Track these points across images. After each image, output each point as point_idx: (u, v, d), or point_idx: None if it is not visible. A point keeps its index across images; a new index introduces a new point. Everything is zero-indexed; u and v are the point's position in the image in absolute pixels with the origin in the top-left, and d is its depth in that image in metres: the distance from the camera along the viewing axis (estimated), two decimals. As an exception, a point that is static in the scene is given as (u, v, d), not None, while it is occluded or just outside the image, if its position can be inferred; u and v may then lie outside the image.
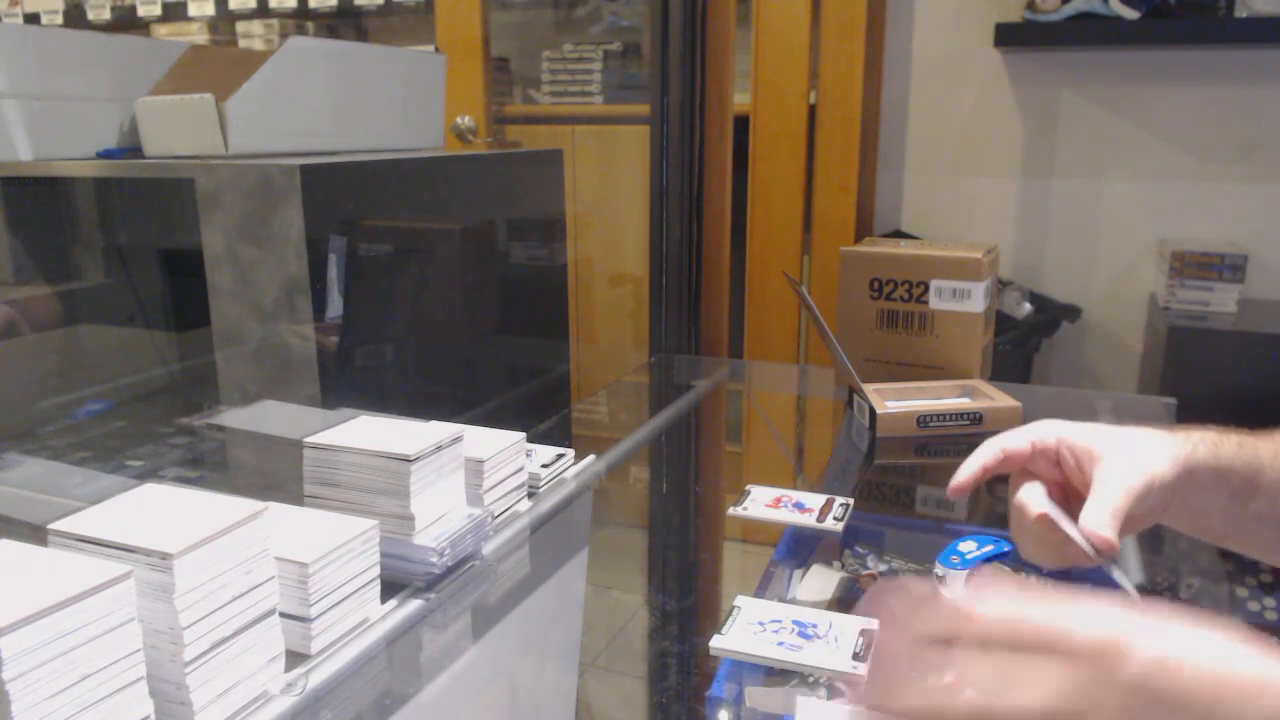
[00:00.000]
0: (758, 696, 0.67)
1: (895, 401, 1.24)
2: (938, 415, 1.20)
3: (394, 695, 0.66)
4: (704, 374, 1.66)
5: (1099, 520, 0.55)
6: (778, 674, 0.68)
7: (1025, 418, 1.19)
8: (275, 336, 0.96)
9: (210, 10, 2.96)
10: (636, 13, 2.62)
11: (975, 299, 1.30)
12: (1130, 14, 1.83)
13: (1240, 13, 1.82)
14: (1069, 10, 1.88)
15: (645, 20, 2.56)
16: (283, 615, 0.63)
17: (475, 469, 0.83)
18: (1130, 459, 0.58)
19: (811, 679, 0.67)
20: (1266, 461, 0.59)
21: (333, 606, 0.67)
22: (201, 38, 3.02)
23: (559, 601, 0.86)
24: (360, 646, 0.68)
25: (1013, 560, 0.80)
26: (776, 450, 1.40)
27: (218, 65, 1.19)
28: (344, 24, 2.97)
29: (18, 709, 0.48)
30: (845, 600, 0.82)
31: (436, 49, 2.35)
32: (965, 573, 0.80)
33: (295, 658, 0.65)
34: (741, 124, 2.02)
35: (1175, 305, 1.88)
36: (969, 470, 0.64)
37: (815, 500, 0.95)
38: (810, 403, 1.60)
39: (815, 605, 0.78)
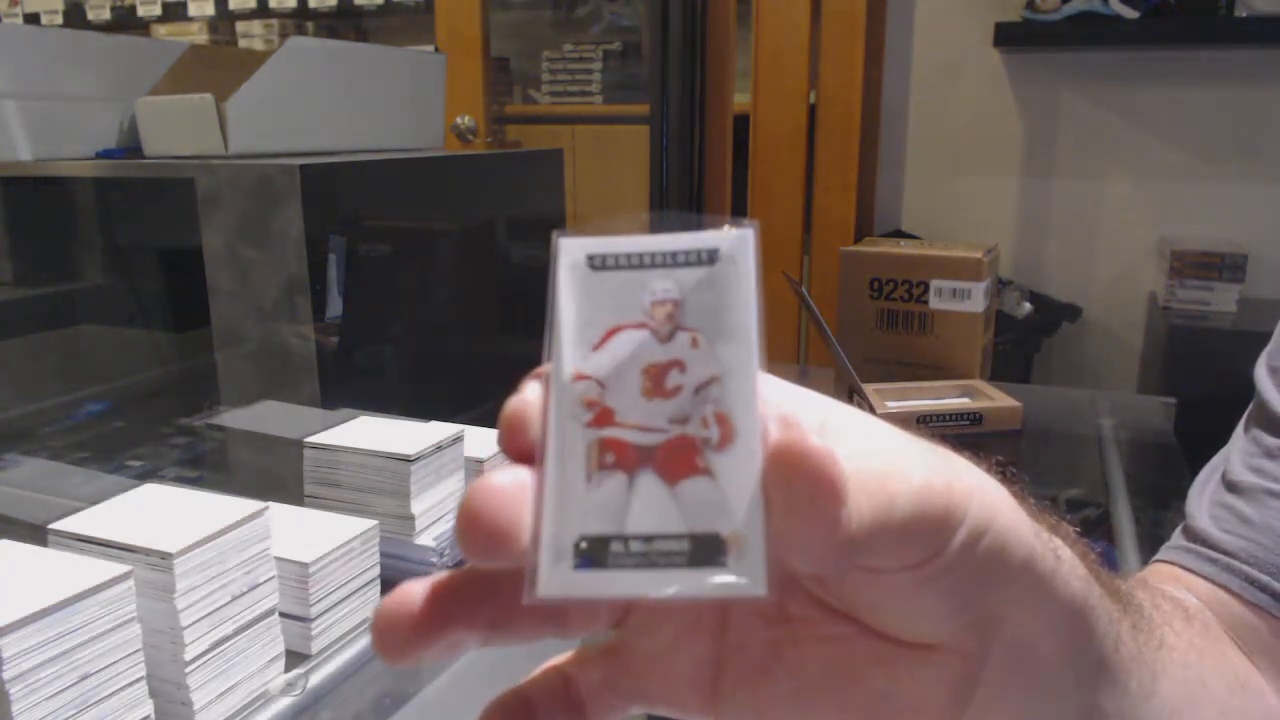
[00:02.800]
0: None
1: (895, 401, 1.24)
2: (938, 415, 1.20)
3: (394, 695, 0.66)
4: (704, 374, 1.65)
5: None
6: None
7: (1025, 417, 1.19)
8: (275, 336, 0.96)
9: (210, 10, 2.96)
10: (636, 12, 2.62)
11: (975, 299, 1.30)
12: (1130, 14, 1.83)
13: (1240, 12, 1.82)
14: (1069, 10, 1.88)
15: (645, 20, 2.56)
16: (283, 615, 0.63)
17: (475, 469, 0.83)
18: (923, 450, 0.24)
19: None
20: (1126, 635, 0.30)
21: (333, 606, 0.67)
22: (201, 38, 3.02)
23: (559, 601, 0.85)
24: (360, 646, 0.68)
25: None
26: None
27: (217, 65, 1.19)
28: (343, 24, 2.97)
29: (18, 709, 0.48)
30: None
31: (436, 49, 2.35)
32: None
33: (295, 658, 0.65)
34: (741, 124, 2.02)
35: (1175, 305, 1.88)
36: None
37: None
38: (810, 403, 1.60)
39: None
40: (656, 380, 0.22)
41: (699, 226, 0.23)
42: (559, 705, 0.27)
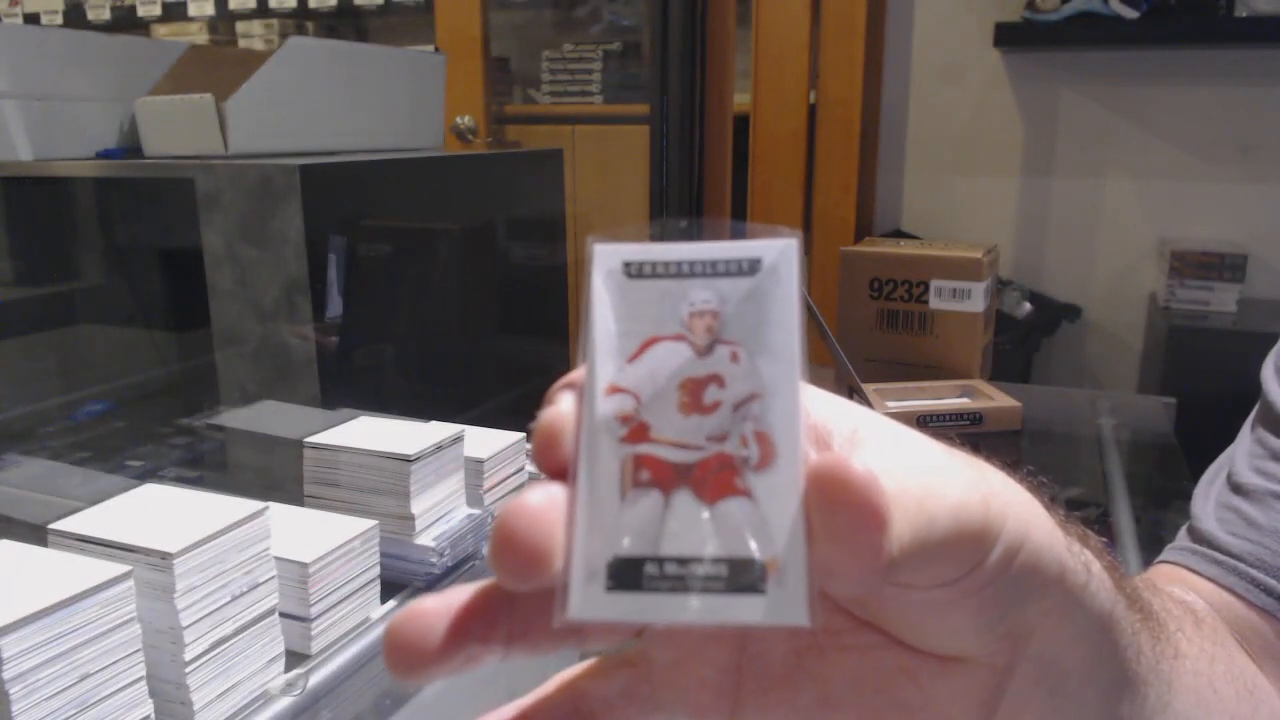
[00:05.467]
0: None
1: (895, 401, 1.24)
2: (938, 415, 1.20)
3: (394, 695, 0.66)
4: (704, 374, 1.65)
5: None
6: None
7: (1025, 417, 1.19)
8: (275, 336, 0.96)
9: (210, 10, 2.96)
10: (636, 12, 2.62)
11: (975, 299, 1.30)
12: (1130, 13, 1.83)
13: (1240, 12, 1.82)
14: (1069, 10, 1.88)
15: (645, 20, 2.56)
16: (283, 615, 0.63)
17: (475, 469, 0.83)
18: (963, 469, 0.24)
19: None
20: (1145, 645, 0.30)
21: (333, 606, 0.67)
22: (201, 38, 3.02)
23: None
24: (360, 646, 0.68)
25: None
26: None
27: (217, 65, 1.19)
28: (343, 24, 2.97)
29: (18, 709, 0.48)
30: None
31: (436, 49, 2.35)
32: None
33: (295, 658, 0.65)
34: (741, 124, 2.02)
35: (1175, 305, 1.88)
36: None
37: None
38: (810, 402, 1.59)
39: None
40: (694, 395, 0.21)
41: (738, 235, 0.22)
42: None
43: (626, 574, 0.20)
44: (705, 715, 0.27)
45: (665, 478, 0.20)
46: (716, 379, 0.21)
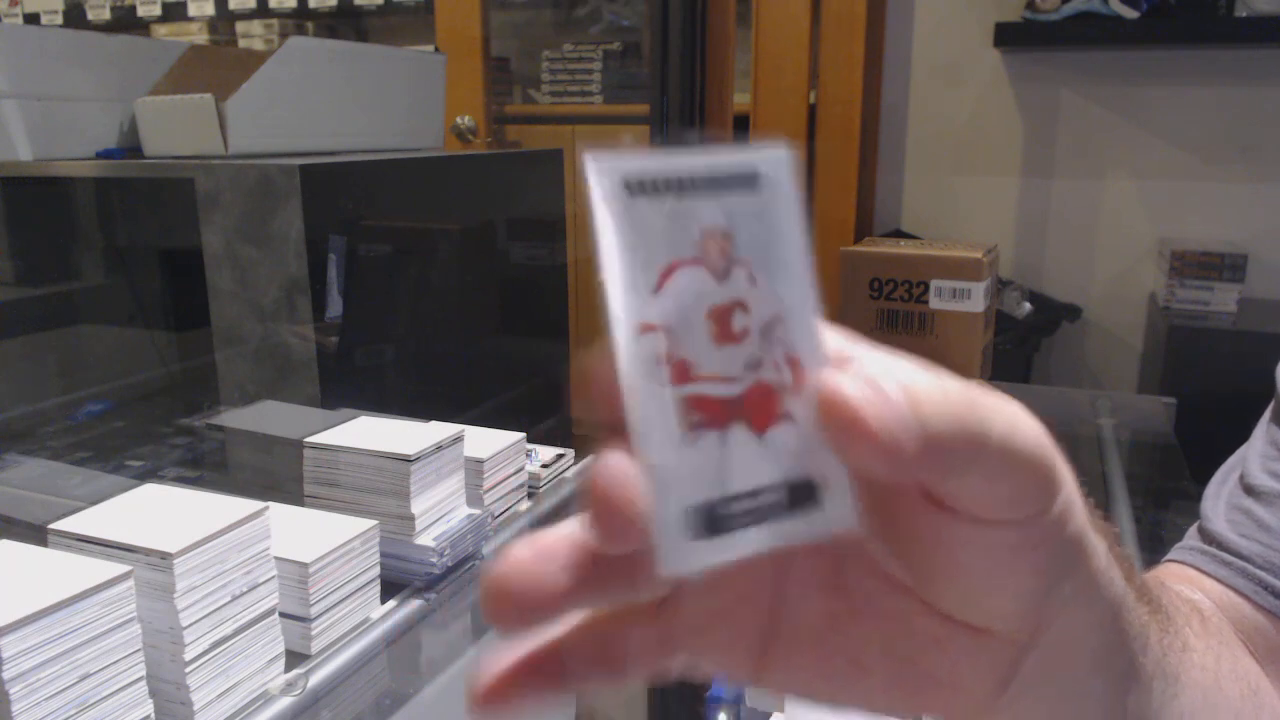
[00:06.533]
0: (757, 696, 0.67)
1: (895, 401, 1.24)
2: (938, 415, 1.20)
3: (394, 695, 0.66)
4: (704, 374, 1.65)
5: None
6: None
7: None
8: (275, 336, 0.96)
9: (210, 10, 2.96)
10: (636, 12, 2.62)
11: (975, 299, 1.30)
12: (1130, 13, 1.83)
13: (1240, 12, 1.82)
14: (1069, 10, 1.88)
15: (645, 20, 2.56)
16: (283, 615, 0.63)
17: (475, 469, 0.83)
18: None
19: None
20: (1154, 638, 0.30)
21: (333, 606, 0.67)
22: (201, 38, 3.02)
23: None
24: (360, 646, 0.68)
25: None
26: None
27: (218, 65, 1.19)
28: (343, 24, 2.97)
29: (18, 709, 0.48)
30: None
31: (436, 49, 2.35)
32: None
33: (295, 658, 0.65)
34: (741, 124, 2.02)
35: (1175, 305, 1.88)
36: None
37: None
38: (810, 402, 1.59)
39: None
40: (723, 324, 0.21)
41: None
42: (594, 661, 0.25)
43: (706, 520, 0.20)
44: (734, 667, 0.27)
45: (718, 416, 0.20)
46: (740, 304, 0.21)
